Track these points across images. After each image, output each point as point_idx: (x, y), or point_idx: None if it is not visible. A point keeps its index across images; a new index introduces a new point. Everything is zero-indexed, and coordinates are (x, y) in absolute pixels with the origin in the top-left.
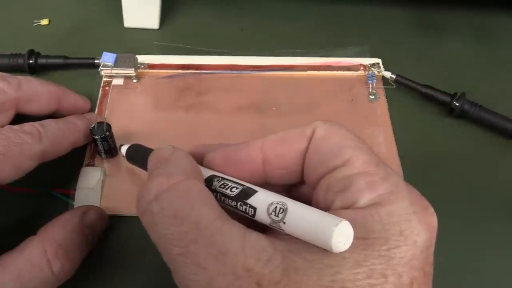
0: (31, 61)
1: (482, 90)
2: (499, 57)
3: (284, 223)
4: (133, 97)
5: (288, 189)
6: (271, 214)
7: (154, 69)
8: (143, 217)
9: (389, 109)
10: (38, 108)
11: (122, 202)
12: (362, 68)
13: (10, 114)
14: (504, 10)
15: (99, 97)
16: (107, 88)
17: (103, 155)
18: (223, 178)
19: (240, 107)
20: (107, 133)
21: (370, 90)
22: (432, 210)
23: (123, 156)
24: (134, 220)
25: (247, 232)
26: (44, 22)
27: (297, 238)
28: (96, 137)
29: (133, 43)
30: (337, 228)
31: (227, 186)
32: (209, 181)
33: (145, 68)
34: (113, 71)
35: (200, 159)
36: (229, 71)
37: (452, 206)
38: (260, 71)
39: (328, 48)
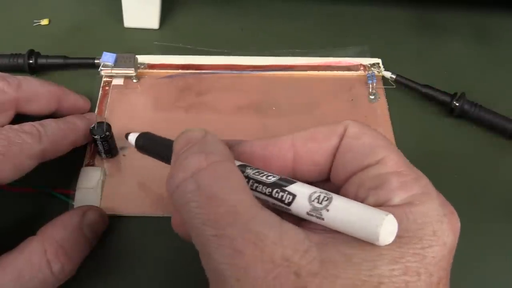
0: (31, 61)
1: (482, 90)
2: (499, 57)
3: (328, 210)
4: (133, 97)
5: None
6: (313, 201)
7: (154, 69)
8: (174, 194)
9: (389, 109)
10: (38, 108)
11: (122, 202)
12: (362, 68)
13: (10, 114)
14: (504, 10)
15: (99, 97)
16: (107, 88)
17: (103, 155)
18: (256, 168)
19: (240, 107)
20: (107, 133)
21: (370, 90)
22: (456, 215)
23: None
24: (134, 220)
25: (283, 222)
26: (44, 22)
27: (331, 233)
28: (96, 137)
29: (133, 43)
30: (386, 219)
31: (262, 174)
32: (241, 169)
33: (145, 68)
34: (113, 71)
35: None
36: (229, 71)
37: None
38: (260, 71)
39: (328, 48)
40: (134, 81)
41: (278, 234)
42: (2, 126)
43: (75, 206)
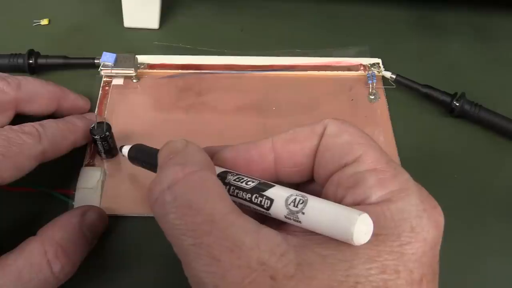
0: (31, 61)
1: (482, 90)
2: (499, 57)
3: (303, 213)
4: (133, 97)
5: (295, 187)
6: (289, 205)
7: (154, 69)
8: (154, 206)
9: (389, 109)
10: (38, 108)
11: (122, 202)
12: (362, 68)
13: (9, 115)
14: (504, 10)
15: (99, 97)
16: (107, 88)
17: (103, 155)
18: (237, 174)
19: (240, 107)
20: (107, 133)
21: (370, 90)
22: (439, 209)
23: (123, 156)
24: (134, 220)
25: (261, 227)
26: (44, 22)
27: (309, 234)
28: (96, 137)
29: (133, 43)
30: (359, 218)
31: (242, 180)
32: (222, 176)
33: (145, 68)
34: (113, 71)
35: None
36: (229, 71)
37: (452, 206)
38: (260, 71)
39: (328, 48)
40: (134, 81)
41: (255, 239)
42: (2, 126)
43: (75, 206)
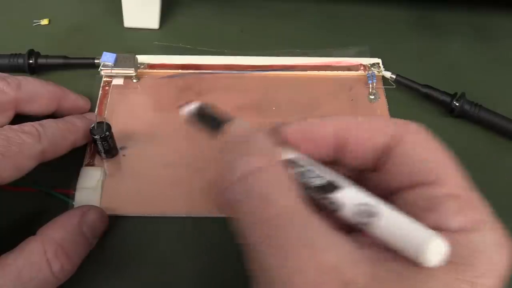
0: (31, 61)
1: (482, 90)
2: (499, 57)
3: (375, 226)
4: (133, 97)
5: (356, 172)
6: (356, 215)
7: (154, 69)
8: (223, 195)
9: (389, 109)
10: (38, 108)
11: (122, 202)
12: (362, 68)
13: (9, 115)
14: (504, 10)
15: (99, 97)
16: (107, 88)
17: (103, 155)
18: (305, 165)
19: (240, 107)
20: (107, 133)
21: (370, 90)
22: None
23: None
24: (134, 220)
25: (334, 231)
26: (44, 22)
27: (382, 248)
28: (95, 137)
29: (133, 43)
30: (435, 238)
31: (311, 175)
32: (290, 165)
33: (145, 68)
34: (113, 71)
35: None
36: (229, 71)
37: None
38: (260, 71)
39: (328, 48)
40: (134, 81)
41: (329, 242)
42: (2, 126)
43: (75, 206)
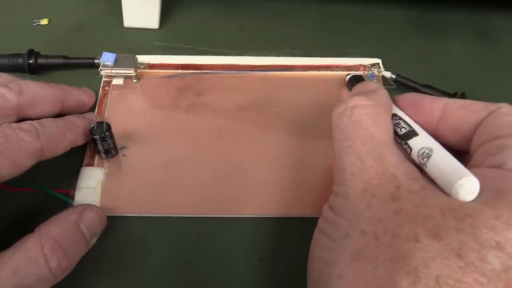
0: (31, 61)
1: (482, 90)
2: (499, 57)
3: (426, 166)
4: (133, 97)
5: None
6: (419, 157)
7: (154, 69)
8: (334, 118)
9: None
10: (41, 111)
11: (122, 202)
12: (362, 68)
13: (11, 120)
14: (504, 10)
15: (99, 97)
16: (107, 88)
17: (103, 155)
18: (400, 118)
19: (240, 107)
20: (107, 133)
21: None
22: None
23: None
24: (134, 220)
25: (405, 159)
26: (44, 22)
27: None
28: (95, 137)
29: (133, 43)
30: (466, 176)
31: (399, 125)
32: (394, 117)
33: (145, 68)
34: (113, 71)
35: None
36: (229, 71)
37: None
38: (260, 71)
39: (328, 49)
40: (134, 81)
41: (398, 161)
42: None
43: None
